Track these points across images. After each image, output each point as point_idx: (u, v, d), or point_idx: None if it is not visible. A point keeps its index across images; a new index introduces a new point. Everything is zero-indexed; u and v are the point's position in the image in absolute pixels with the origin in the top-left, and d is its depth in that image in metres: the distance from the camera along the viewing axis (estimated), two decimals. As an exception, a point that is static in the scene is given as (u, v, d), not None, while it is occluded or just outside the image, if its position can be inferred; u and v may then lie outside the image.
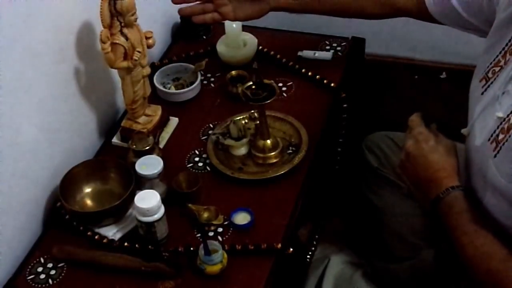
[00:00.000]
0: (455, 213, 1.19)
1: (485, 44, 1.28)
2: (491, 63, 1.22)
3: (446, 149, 1.27)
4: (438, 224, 1.25)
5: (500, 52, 1.21)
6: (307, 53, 1.72)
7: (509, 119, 1.11)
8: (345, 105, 1.63)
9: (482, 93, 1.22)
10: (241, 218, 1.34)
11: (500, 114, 1.13)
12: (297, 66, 1.68)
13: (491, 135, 1.14)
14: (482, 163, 1.16)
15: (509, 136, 1.09)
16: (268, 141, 1.45)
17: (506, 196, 1.11)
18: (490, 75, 1.22)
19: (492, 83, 1.20)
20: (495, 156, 1.12)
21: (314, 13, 1.56)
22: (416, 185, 1.30)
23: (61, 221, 1.37)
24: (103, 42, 1.33)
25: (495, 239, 1.14)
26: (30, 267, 1.31)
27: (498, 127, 1.13)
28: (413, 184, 1.31)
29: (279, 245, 1.28)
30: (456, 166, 1.26)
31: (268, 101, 1.37)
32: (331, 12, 1.56)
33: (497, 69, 1.20)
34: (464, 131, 1.27)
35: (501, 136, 1.12)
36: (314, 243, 1.76)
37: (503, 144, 1.11)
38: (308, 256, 1.70)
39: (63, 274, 1.29)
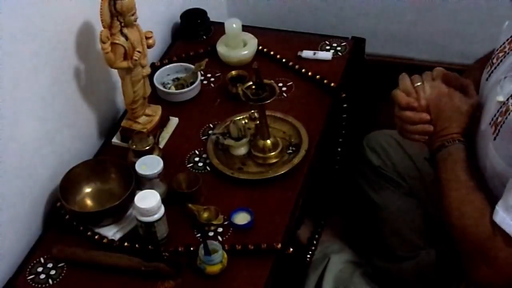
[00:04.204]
0: (454, 161, 1.20)
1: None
2: (497, 50, 1.23)
3: (470, 109, 1.25)
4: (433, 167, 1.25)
5: (508, 39, 1.21)
6: (307, 53, 1.72)
7: (508, 102, 1.12)
8: (345, 105, 1.62)
9: (487, 79, 1.23)
10: (241, 218, 1.34)
11: (501, 98, 1.14)
12: (297, 66, 1.68)
13: (492, 119, 1.15)
14: (484, 147, 1.16)
15: (506, 118, 1.10)
16: (268, 141, 1.45)
17: (506, 179, 1.11)
18: (494, 61, 1.22)
19: (495, 68, 1.21)
20: (494, 138, 1.13)
21: None
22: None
23: (61, 221, 1.37)
24: (103, 42, 1.33)
25: (484, 199, 1.14)
26: (30, 267, 1.31)
27: (498, 111, 1.14)
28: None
29: (279, 245, 1.28)
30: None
31: (268, 101, 1.37)
32: None
33: (501, 54, 1.21)
34: None
35: (499, 119, 1.12)
36: (314, 243, 1.76)
37: (501, 126, 1.11)
38: (308, 256, 1.71)
39: (63, 274, 1.29)
